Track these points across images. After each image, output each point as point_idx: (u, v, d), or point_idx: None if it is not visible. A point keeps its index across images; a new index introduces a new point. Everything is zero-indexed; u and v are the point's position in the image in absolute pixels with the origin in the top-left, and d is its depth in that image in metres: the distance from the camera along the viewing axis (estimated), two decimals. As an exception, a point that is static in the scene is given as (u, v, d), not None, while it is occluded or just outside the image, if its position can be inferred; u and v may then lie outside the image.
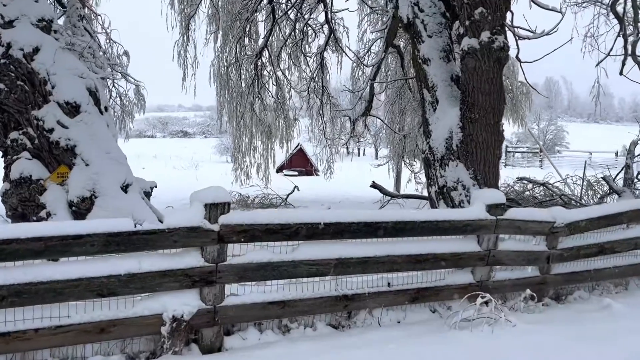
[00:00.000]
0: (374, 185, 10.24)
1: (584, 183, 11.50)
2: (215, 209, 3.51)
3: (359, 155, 53.82)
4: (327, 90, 13.82)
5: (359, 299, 4.09)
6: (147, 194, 6.94)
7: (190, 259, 3.51)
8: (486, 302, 4.67)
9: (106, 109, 5.95)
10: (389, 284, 4.24)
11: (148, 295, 3.48)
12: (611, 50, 7.70)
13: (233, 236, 3.57)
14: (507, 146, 39.71)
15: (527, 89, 14.09)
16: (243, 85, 14.28)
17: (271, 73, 14.52)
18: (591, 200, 11.29)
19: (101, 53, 11.02)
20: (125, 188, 5.57)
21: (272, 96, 14.86)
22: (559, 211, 4.78)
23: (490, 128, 7.38)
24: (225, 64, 13.93)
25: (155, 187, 7.29)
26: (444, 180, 7.56)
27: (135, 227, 3.33)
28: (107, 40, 11.35)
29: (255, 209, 11.67)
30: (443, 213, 4.30)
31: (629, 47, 7.70)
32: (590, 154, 40.44)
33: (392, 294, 4.22)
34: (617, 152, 42.31)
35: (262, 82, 14.20)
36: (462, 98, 7.49)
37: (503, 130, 7.54)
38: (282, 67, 14.46)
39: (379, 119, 12.01)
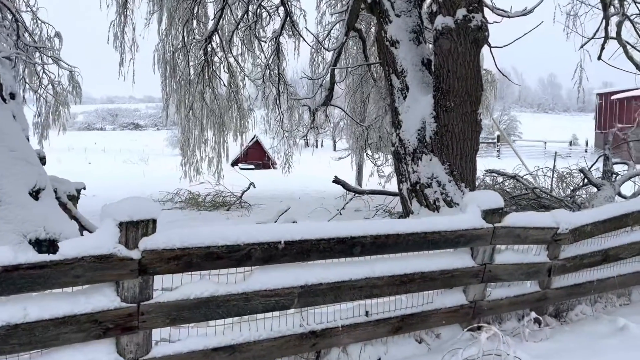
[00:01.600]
0: (337, 181, 9.40)
1: (555, 175, 11.03)
2: (134, 229, 2.55)
3: (316, 147, 53.02)
4: (284, 78, 12.84)
5: (330, 335, 3.21)
6: (73, 198, 5.85)
7: (101, 298, 2.54)
8: (479, 326, 3.89)
9: (12, 96, 4.83)
10: (367, 312, 3.38)
11: (40, 353, 2.50)
12: (596, 32, 7.08)
13: (160, 265, 2.63)
14: (464, 136, 39.66)
15: (492, 76, 13.53)
16: (192, 72, 13.13)
17: (223, 59, 13.43)
18: (562, 193, 10.83)
19: (26, 35, 9.72)
20: (35, 193, 4.49)
21: (224, 85, 13.77)
22: (562, 215, 4.04)
23: (467, 117, 6.63)
24: (172, 49, 12.75)
25: (84, 188, 6.19)
26: (417, 176, 6.77)
27: (17, 258, 2.34)
28: (34, 20, 10.01)
29: (206, 208, 10.64)
30: (431, 222, 3.48)
31: (611, 29, 7.10)
32: (545, 143, 40.98)
33: (371, 325, 3.37)
34: (571, 142, 43.15)
35: (212, 69, 13.10)
36: (436, 84, 6.71)
37: (480, 119, 6.81)
38: (234, 53, 13.39)
39: (341, 109, 11.18)
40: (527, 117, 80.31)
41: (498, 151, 36.54)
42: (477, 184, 10.78)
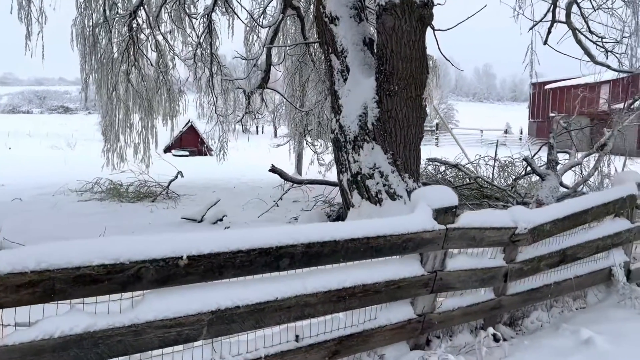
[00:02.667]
0: (274, 170, 8.73)
1: (496, 164, 10.83)
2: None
3: (257, 133, 51.99)
4: (217, 58, 11.95)
5: (251, 368, 2.57)
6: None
7: None
8: (428, 341, 3.37)
9: None
10: (297, 337, 2.75)
11: None
12: (545, 15, 6.73)
13: (6, 295, 1.89)
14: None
15: (433, 62, 13.17)
16: (115, 50, 11.99)
17: (150, 37, 12.36)
18: (503, 182, 10.65)
19: None
20: None
21: (152, 64, 12.70)
22: (520, 213, 3.57)
23: (411, 103, 6.10)
24: (92, 23, 11.55)
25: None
26: (358, 166, 6.20)
27: None
28: None
29: (129, 199, 9.69)
30: (375, 225, 2.89)
31: (558, 12, 6.77)
32: (482, 131, 41.84)
33: (302, 351, 2.75)
34: (506, 130, 44.34)
35: (138, 47, 12.01)
36: (378, 66, 6.14)
37: (425, 105, 6.31)
38: (162, 31, 12.34)
39: (278, 92, 10.47)
40: (463, 105, 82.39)
41: (437, 139, 36.92)
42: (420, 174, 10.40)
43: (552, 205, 3.95)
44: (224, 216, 7.13)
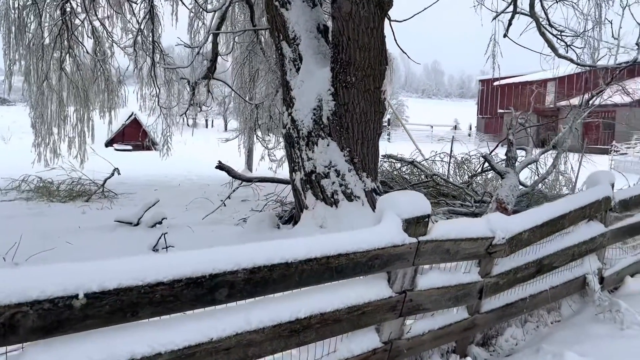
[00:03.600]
0: (221, 167, 8.08)
1: (452, 161, 10.56)
2: None
3: (207, 127, 50.64)
4: (160, 46, 11.14)
5: None
6: None
7: None
8: (396, 370, 2.89)
9: None
10: (239, 383, 2.20)
11: None
12: (508, 6, 6.40)
13: None
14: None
15: (389, 56, 12.76)
16: (46, 36, 10.96)
17: (85, 22, 11.40)
18: (459, 179, 10.39)
19: None
20: None
21: (88, 52, 11.74)
22: (498, 221, 3.14)
23: (369, 96, 5.63)
24: (18, 5, 10.50)
25: None
26: (312, 165, 5.69)
27: None
28: None
29: (60, 199, 8.79)
30: (335, 241, 2.37)
31: (521, 3, 6.45)
32: (432, 127, 42.21)
33: (245, 401, 2.21)
34: (455, 126, 44.94)
35: (73, 33, 11.04)
36: (334, 54, 5.63)
37: (384, 98, 5.85)
38: (99, 16, 11.42)
39: (225, 83, 9.80)
40: (413, 101, 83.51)
41: (389, 134, 36.92)
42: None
43: (530, 210, 3.55)
44: (163, 219, 6.46)
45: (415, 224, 2.67)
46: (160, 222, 6.44)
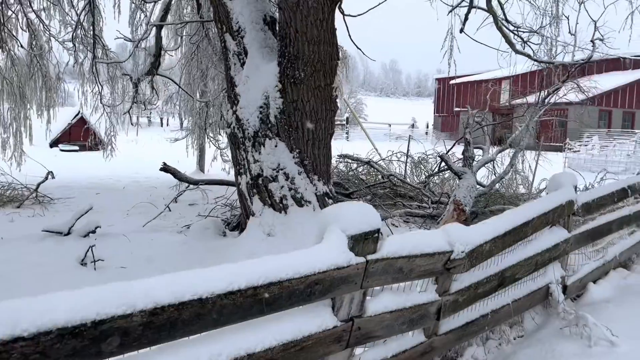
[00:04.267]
0: (166, 168, 7.54)
1: (409, 160, 10.30)
2: None
3: (162, 125, 49.35)
4: (102, 40, 10.44)
5: None
6: None
7: None
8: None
9: None
10: None
11: None
12: (462, 2, 6.12)
13: None
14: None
15: (343, 53, 12.43)
16: (-25, 27, 10.10)
17: (20, 14, 10.59)
18: (416, 179, 10.15)
19: None
20: None
21: (23, 46, 10.92)
22: (457, 232, 2.79)
23: (320, 93, 5.24)
24: (-60, -7, 9.62)
25: None
26: (259, 167, 5.26)
27: None
28: None
29: (-14, 206, 8.02)
30: (266, 266, 1.96)
31: (477, -2, 6.19)
32: (390, 125, 42.32)
33: None
34: (413, 124, 45.21)
35: (3, 24, 10.22)
36: (281, 48, 5.22)
37: (336, 95, 5.47)
38: (35, 8, 10.62)
39: (172, 80, 9.23)
40: (372, 100, 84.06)
41: (347, 133, 36.75)
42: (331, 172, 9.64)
43: (491, 219, 3.24)
44: (97, 227, 5.89)
45: (363, 241, 2.29)
46: (93, 231, 5.87)
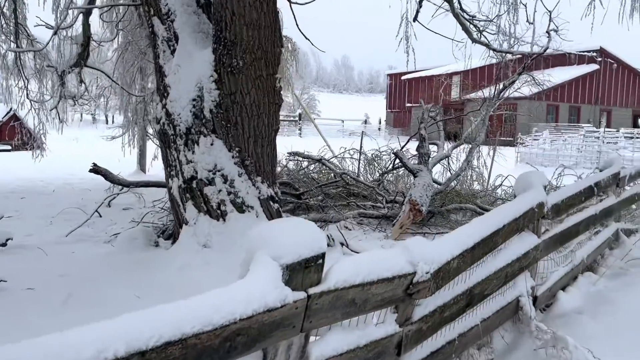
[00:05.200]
0: (95, 169, 6.79)
1: (362, 157, 9.85)
2: None
3: (107, 122, 47.34)
4: (26, 30, 9.47)
5: None
6: None
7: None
8: None
9: None
10: None
11: None
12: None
13: None
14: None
15: (293, 44, 11.86)
16: None
17: None
18: (370, 177, 9.71)
19: None
20: None
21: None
22: (420, 249, 2.29)
23: (261, 83, 4.65)
24: None
25: None
26: (193, 169, 4.63)
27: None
28: None
29: None
30: (161, 317, 1.39)
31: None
32: (343, 121, 42.02)
33: None
34: (365, 120, 45.10)
35: None
36: (216, 33, 4.59)
37: (280, 87, 4.91)
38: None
39: (101, 71, 8.38)
40: (325, 96, 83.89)
41: (300, 129, 36.21)
42: (278, 171, 9.06)
43: (456, 231, 2.77)
44: (8, 239, 5.12)
45: (303, 271, 1.74)
46: (4, 244, 5.09)
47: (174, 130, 4.66)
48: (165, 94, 4.74)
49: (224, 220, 4.47)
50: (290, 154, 9.21)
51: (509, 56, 8.04)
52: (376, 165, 9.63)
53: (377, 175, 9.40)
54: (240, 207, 4.51)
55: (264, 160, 4.73)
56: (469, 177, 9.94)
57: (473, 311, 2.98)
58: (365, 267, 2.02)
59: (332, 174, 8.77)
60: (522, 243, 3.40)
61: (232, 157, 4.56)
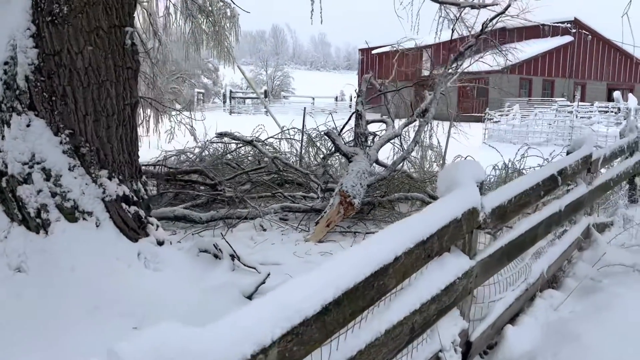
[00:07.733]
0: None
1: (304, 138, 8.60)
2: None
3: None
4: None
5: None
6: None
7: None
8: None
9: None
10: None
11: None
12: None
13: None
14: (231, 91, 36.85)
15: (232, 11, 10.46)
16: None
17: None
18: (314, 160, 8.49)
19: None
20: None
21: None
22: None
23: (101, 40, 3.26)
24: None
25: None
26: (1, 161, 3.32)
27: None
28: None
29: None
30: None
31: None
32: (313, 99, 40.57)
33: None
34: (337, 97, 43.70)
35: None
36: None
37: (135, 45, 3.59)
38: None
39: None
40: (301, 74, 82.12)
41: (265, 107, 34.71)
42: (203, 153, 7.76)
43: (305, 278, 1.56)
44: None
45: None
46: None
47: (-18, 106, 3.34)
48: (-30, 57, 3.39)
49: (46, 232, 3.19)
50: (218, 134, 7.91)
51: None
52: (319, 146, 8.39)
53: (321, 158, 8.17)
54: (72, 214, 3.24)
55: (114, 146, 3.45)
56: (429, 159, 8.80)
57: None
58: None
59: (266, 158, 7.52)
60: (443, 272, 2.22)
61: (60, 142, 3.26)
